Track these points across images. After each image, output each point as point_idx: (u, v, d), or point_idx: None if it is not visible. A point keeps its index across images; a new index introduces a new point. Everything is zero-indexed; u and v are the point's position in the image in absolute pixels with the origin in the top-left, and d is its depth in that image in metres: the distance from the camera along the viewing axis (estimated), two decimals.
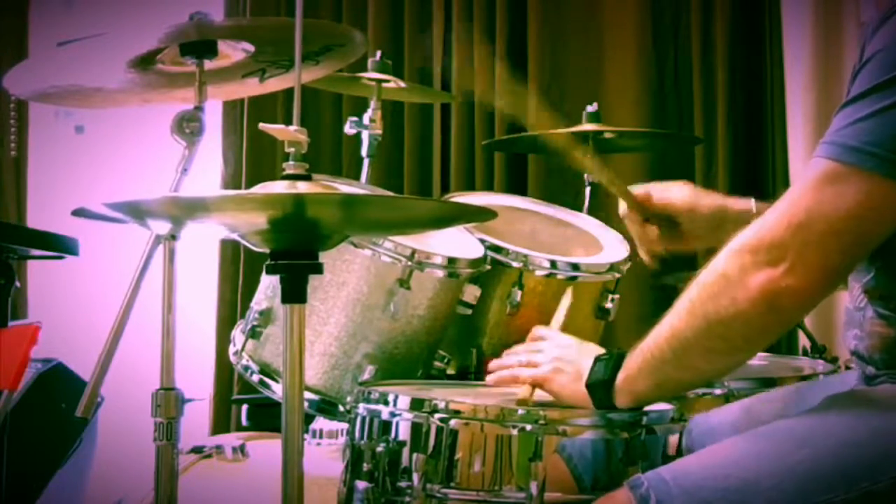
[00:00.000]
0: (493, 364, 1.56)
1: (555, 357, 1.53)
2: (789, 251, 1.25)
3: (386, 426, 1.50)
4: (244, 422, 2.82)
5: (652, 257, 1.81)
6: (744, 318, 1.28)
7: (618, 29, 3.37)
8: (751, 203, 1.73)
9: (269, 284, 2.05)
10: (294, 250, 1.34)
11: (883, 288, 1.38)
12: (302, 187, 1.31)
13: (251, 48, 1.86)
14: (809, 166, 1.29)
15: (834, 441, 1.30)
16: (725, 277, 1.29)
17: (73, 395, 1.87)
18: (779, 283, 1.25)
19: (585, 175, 2.76)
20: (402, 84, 2.78)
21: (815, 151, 1.29)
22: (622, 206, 1.82)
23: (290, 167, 1.33)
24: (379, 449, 1.48)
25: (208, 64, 1.82)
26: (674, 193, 1.78)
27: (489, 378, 1.56)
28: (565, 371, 1.50)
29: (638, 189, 1.79)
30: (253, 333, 2.03)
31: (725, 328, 1.30)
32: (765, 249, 1.27)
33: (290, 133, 1.33)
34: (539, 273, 2.16)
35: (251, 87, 1.99)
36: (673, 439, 1.55)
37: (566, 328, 2.23)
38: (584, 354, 1.51)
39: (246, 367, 2.05)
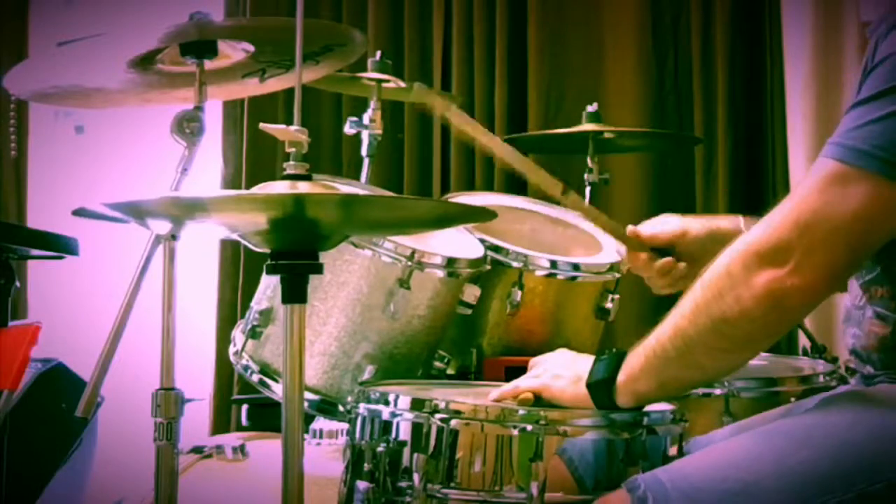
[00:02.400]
0: (492, 395, 1.56)
1: (552, 365, 1.54)
2: (795, 251, 1.26)
3: (386, 426, 1.50)
4: (244, 422, 2.82)
5: (664, 289, 1.78)
6: (749, 317, 1.28)
7: (618, 29, 3.37)
8: (738, 220, 1.72)
9: (269, 284, 2.05)
10: (294, 250, 1.34)
11: (884, 287, 1.38)
12: (302, 187, 1.30)
13: (251, 48, 1.86)
14: (816, 165, 1.29)
15: (832, 442, 1.30)
16: (730, 277, 1.29)
17: (73, 395, 1.87)
18: (784, 283, 1.26)
19: (585, 175, 2.76)
20: (402, 84, 2.78)
21: (822, 151, 1.29)
22: (624, 255, 1.80)
23: (290, 167, 1.33)
24: (379, 449, 1.48)
25: (208, 64, 1.82)
26: (661, 225, 1.76)
27: (491, 395, 1.56)
28: (564, 376, 1.50)
29: (627, 231, 1.78)
30: (253, 333, 2.03)
31: (730, 327, 1.30)
32: (770, 249, 1.27)
33: (290, 133, 1.33)
34: (539, 273, 2.16)
35: (251, 87, 1.99)
36: (674, 440, 1.54)
37: (566, 322, 2.23)
38: (580, 360, 1.52)
39: (246, 367, 2.05)
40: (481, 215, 1.60)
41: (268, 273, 1.35)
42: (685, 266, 1.72)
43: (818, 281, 1.26)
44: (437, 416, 1.45)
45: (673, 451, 1.51)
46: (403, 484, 1.46)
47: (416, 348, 2.03)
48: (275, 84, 1.97)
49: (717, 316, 1.30)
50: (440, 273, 2.01)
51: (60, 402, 2.68)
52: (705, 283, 1.33)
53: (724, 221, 1.75)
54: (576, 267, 2.20)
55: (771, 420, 1.61)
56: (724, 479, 1.28)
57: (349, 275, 1.96)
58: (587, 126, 2.72)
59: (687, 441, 1.56)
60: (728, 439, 1.41)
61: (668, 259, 1.72)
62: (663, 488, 1.29)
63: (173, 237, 1.71)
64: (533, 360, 1.61)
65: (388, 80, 2.69)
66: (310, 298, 1.36)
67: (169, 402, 1.68)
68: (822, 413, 1.37)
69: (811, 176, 1.29)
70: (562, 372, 1.50)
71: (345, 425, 1.97)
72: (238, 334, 2.11)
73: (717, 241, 1.69)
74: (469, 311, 2.10)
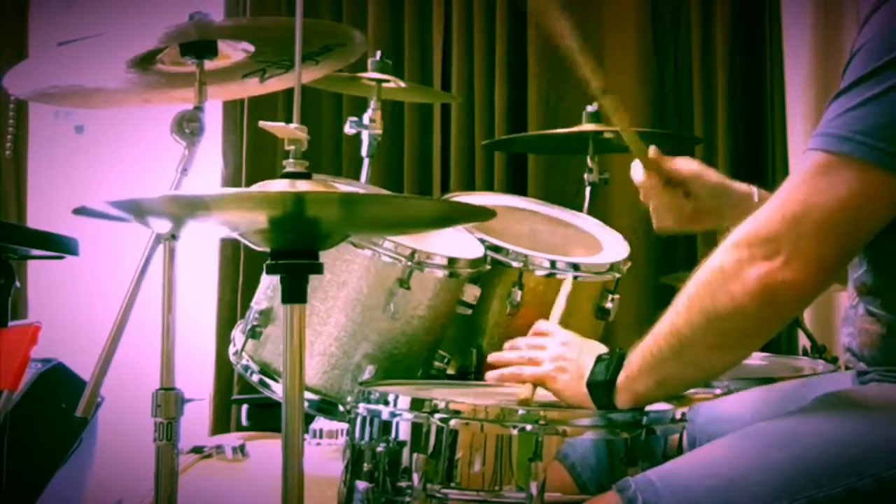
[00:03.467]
0: (492, 357, 1.55)
1: (557, 355, 1.53)
2: (785, 244, 1.26)
3: (386, 426, 1.50)
4: (244, 422, 2.83)
5: (664, 222, 1.80)
6: (742, 313, 1.28)
7: (618, 29, 3.37)
8: (753, 189, 1.74)
9: (269, 284, 2.05)
10: (294, 250, 1.34)
11: (872, 283, 1.38)
12: (302, 185, 1.30)
13: (251, 48, 1.86)
14: (803, 159, 1.29)
15: (818, 439, 1.30)
16: (723, 272, 1.29)
17: (73, 395, 1.87)
18: (776, 277, 1.26)
19: (585, 175, 2.76)
20: (402, 84, 2.78)
21: (808, 144, 1.29)
22: (637, 172, 1.80)
23: (289, 165, 1.33)
24: (379, 449, 1.48)
25: (208, 64, 1.82)
26: (681, 162, 1.80)
27: (490, 375, 1.55)
28: (568, 370, 1.50)
29: (651, 150, 1.80)
30: (253, 333, 2.03)
31: (724, 323, 1.30)
32: (761, 243, 1.27)
33: (289, 131, 1.33)
34: (539, 273, 2.16)
35: (251, 87, 1.99)
36: (673, 439, 1.55)
37: (566, 322, 2.23)
38: (585, 352, 1.51)
39: (246, 367, 2.05)
40: (481, 215, 1.60)
41: (268, 273, 1.35)
42: (692, 207, 1.76)
43: (810, 273, 1.26)
44: (437, 415, 1.45)
45: (673, 450, 1.51)
46: (403, 484, 1.46)
47: (416, 348, 2.03)
48: (275, 84, 1.97)
49: (710, 312, 1.30)
50: (440, 273, 2.01)
51: (60, 402, 2.68)
52: (699, 280, 1.33)
53: (739, 186, 1.77)
54: (576, 267, 2.20)
55: (777, 392, 1.62)
56: (713, 476, 1.29)
57: (349, 275, 1.96)
58: (587, 126, 2.72)
59: (691, 406, 1.56)
60: (734, 426, 1.41)
61: (672, 196, 1.77)
62: (653, 487, 1.29)
63: (173, 237, 1.71)
64: (537, 326, 1.61)
65: (388, 80, 2.69)
66: (310, 298, 1.36)
67: (169, 402, 1.68)
68: (809, 413, 1.38)
69: (799, 169, 1.29)
70: (567, 365, 1.50)
71: (345, 425, 1.97)
72: (238, 334, 2.11)
73: (728, 197, 1.73)
74: (469, 311, 2.10)
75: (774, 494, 1.25)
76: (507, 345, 1.64)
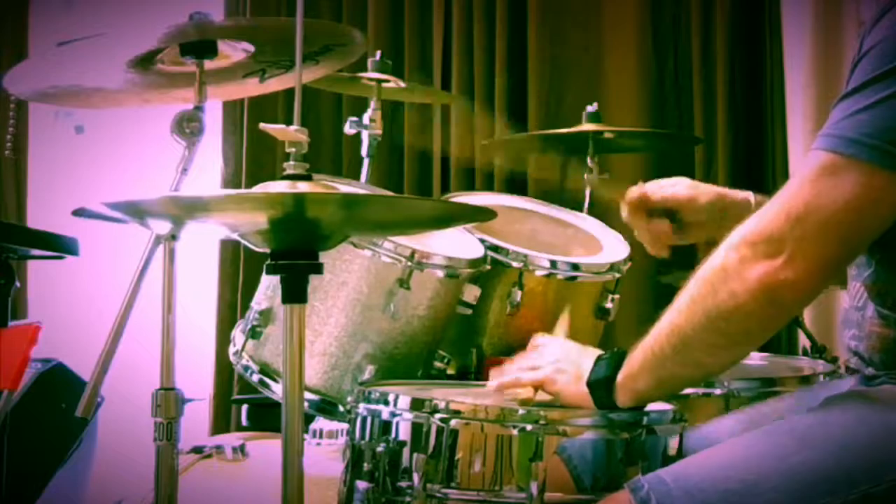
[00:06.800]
0: (493, 372, 1.56)
1: (555, 359, 1.54)
2: (788, 243, 1.26)
3: (386, 426, 1.50)
4: (244, 422, 2.83)
5: (659, 251, 1.82)
6: (744, 312, 1.28)
7: (618, 29, 3.37)
8: (749, 195, 1.74)
9: (269, 284, 2.05)
10: (294, 250, 1.34)
11: (882, 283, 1.38)
12: (302, 187, 1.31)
13: (251, 48, 1.86)
14: (808, 159, 1.29)
15: (834, 442, 1.30)
16: (724, 271, 1.29)
17: (73, 395, 1.87)
18: (777, 276, 1.25)
19: (585, 175, 2.76)
20: (402, 84, 2.78)
21: (813, 144, 1.29)
22: (624, 210, 1.82)
23: (290, 167, 1.33)
24: (379, 449, 1.48)
25: (208, 64, 1.82)
26: (671, 188, 1.79)
27: (491, 384, 1.55)
28: (566, 371, 1.50)
29: (633, 190, 1.80)
30: (253, 333, 2.03)
31: (725, 322, 1.30)
32: (763, 242, 1.27)
33: (290, 133, 1.33)
34: (539, 273, 2.16)
35: (251, 87, 1.99)
36: (673, 440, 1.54)
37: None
38: (584, 356, 1.51)
39: (246, 367, 2.05)
40: (481, 215, 1.60)
41: (268, 273, 1.35)
42: (686, 224, 1.77)
43: (812, 273, 1.26)
44: (437, 415, 1.45)
45: (672, 451, 1.51)
46: (403, 484, 1.46)
47: (416, 348, 2.03)
48: (275, 84, 1.97)
49: (712, 311, 1.30)
50: (440, 273, 2.01)
51: (60, 402, 2.68)
52: (700, 279, 1.33)
53: (734, 194, 1.77)
54: (575, 267, 2.20)
55: (773, 410, 1.61)
56: (727, 479, 1.28)
57: (349, 275, 1.96)
58: (587, 126, 2.72)
59: (686, 431, 1.56)
60: (730, 438, 1.41)
61: (661, 224, 1.79)
62: (666, 488, 1.29)
63: (173, 237, 1.71)
64: (535, 339, 1.61)
65: (388, 80, 2.69)
66: (310, 298, 1.36)
67: (169, 402, 1.67)
68: (824, 413, 1.37)
69: (803, 168, 1.29)
70: (566, 367, 1.50)
71: (345, 425, 1.97)
72: (238, 334, 2.11)
73: (725, 210, 1.72)
74: (469, 311, 2.10)
75: (790, 500, 1.25)
76: (507, 363, 1.64)
